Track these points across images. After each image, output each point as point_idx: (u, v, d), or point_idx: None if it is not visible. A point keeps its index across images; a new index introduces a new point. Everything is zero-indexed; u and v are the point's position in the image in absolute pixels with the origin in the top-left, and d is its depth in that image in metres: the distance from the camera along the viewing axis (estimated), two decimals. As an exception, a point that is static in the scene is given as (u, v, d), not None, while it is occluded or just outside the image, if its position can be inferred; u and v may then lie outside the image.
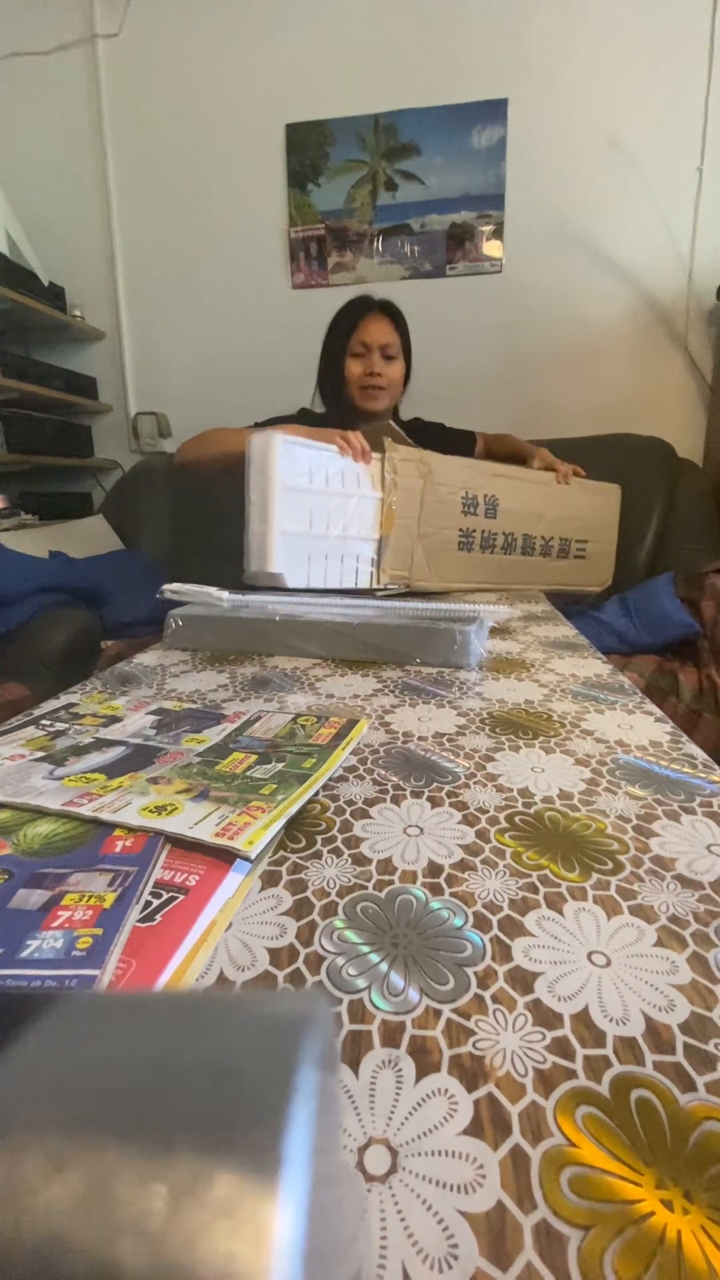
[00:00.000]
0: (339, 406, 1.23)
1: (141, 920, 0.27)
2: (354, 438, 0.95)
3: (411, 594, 1.00)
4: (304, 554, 0.90)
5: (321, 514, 0.91)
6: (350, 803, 0.38)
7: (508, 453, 1.36)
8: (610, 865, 0.31)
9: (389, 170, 1.93)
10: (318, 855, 0.33)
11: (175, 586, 0.80)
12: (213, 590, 0.79)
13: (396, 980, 0.24)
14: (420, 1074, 0.21)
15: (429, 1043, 0.22)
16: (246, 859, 0.31)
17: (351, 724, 0.49)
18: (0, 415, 1.74)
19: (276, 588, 0.87)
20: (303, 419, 1.25)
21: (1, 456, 1.75)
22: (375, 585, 0.98)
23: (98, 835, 0.34)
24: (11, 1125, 0.09)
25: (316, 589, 0.90)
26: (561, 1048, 0.21)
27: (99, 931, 0.26)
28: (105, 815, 0.35)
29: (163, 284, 2.11)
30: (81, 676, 0.70)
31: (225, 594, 0.79)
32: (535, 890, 0.29)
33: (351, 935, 0.27)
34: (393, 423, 1.12)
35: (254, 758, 0.43)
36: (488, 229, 1.92)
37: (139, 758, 0.43)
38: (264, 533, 0.86)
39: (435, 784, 0.40)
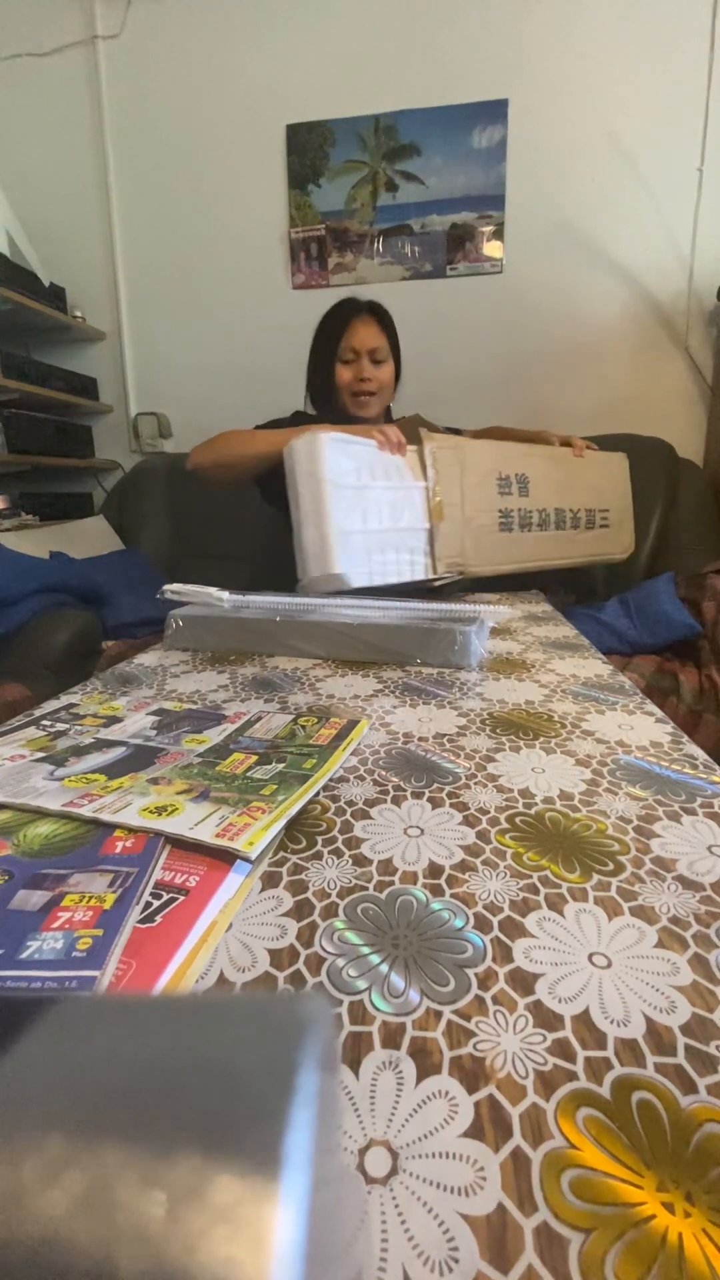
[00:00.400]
0: (330, 412, 1.22)
1: (142, 921, 0.27)
2: (391, 431, 0.95)
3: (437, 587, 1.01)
4: (363, 551, 0.89)
5: (374, 508, 0.91)
6: (351, 803, 0.38)
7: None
8: (611, 866, 0.31)
9: (389, 171, 1.93)
10: (318, 856, 0.33)
11: (175, 587, 0.80)
12: (213, 590, 0.79)
13: (397, 981, 0.24)
14: (421, 1075, 0.21)
15: (429, 1044, 0.22)
16: (247, 860, 0.31)
17: (352, 724, 0.49)
18: (1, 415, 1.74)
19: (336, 591, 0.86)
20: (297, 422, 1.25)
21: (2, 457, 1.75)
22: (432, 575, 0.98)
23: (98, 836, 0.34)
24: (12, 1127, 0.09)
25: (376, 587, 0.90)
26: (562, 1049, 0.21)
27: (99, 932, 0.26)
28: (105, 816, 0.35)
29: (163, 284, 2.11)
30: (82, 677, 0.70)
31: (225, 594, 0.79)
32: (536, 891, 0.29)
33: (352, 936, 0.27)
34: (420, 415, 1.12)
35: (254, 758, 0.43)
36: (488, 229, 1.92)
37: (139, 758, 0.43)
38: (322, 536, 0.85)
39: (436, 785, 0.40)
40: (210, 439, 1.11)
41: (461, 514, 1.02)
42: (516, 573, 1.11)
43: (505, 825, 0.35)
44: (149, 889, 0.29)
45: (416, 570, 0.96)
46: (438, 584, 0.98)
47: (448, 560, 1.00)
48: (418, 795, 0.39)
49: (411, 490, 0.97)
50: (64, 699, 0.58)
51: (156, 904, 0.28)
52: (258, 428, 1.18)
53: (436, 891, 0.29)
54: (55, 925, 0.27)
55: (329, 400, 1.21)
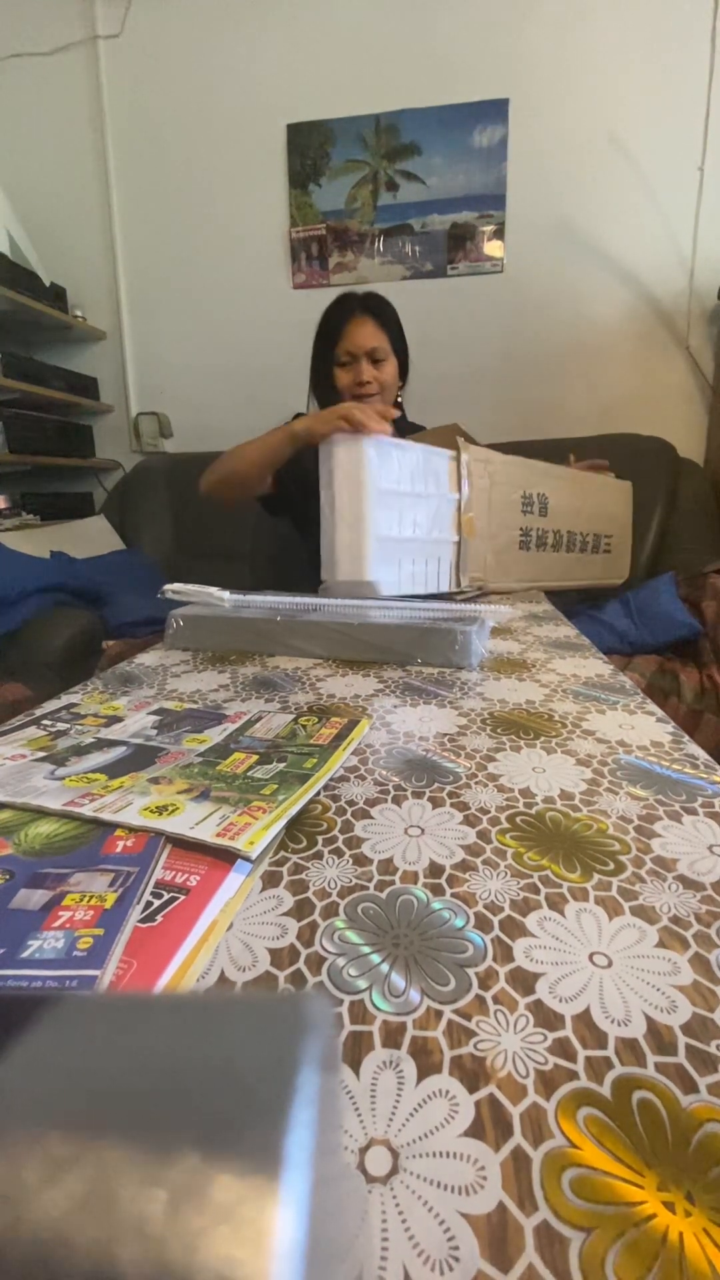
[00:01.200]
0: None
1: (142, 920, 0.27)
2: (358, 411, 0.85)
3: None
4: (394, 559, 0.87)
5: (410, 515, 0.90)
6: (351, 803, 0.38)
7: None
8: (612, 866, 0.31)
9: (390, 170, 1.93)
10: (319, 856, 0.33)
11: (176, 586, 0.80)
12: (214, 590, 0.79)
13: (398, 981, 0.24)
14: (421, 1075, 0.21)
15: (430, 1044, 0.22)
16: (247, 859, 0.31)
17: (352, 724, 0.49)
18: (1, 415, 1.74)
19: (360, 597, 0.84)
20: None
21: (2, 456, 1.75)
22: (455, 589, 0.98)
23: (99, 835, 0.34)
24: (12, 1126, 0.09)
25: (393, 597, 0.88)
26: (563, 1049, 0.21)
27: (100, 932, 0.26)
28: (106, 815, 0.35)
29: (164, 284, 2.11)
30: (83, 676, 0.70)
31: (226, 594, 0.79)
32: (536, 891, 0.29)
33: (352, 936, 0.27)
34: (459, 424, 1.12)
35: (255, 758, 0.43)
36: (489, 229, 1.92)
37: (140, 758, 0.43)
38: (358, 540, 0.82)
39: (436, 784, 0.40)
40: (213, 465, 1.13)
41: (488, 529, 1.03)
42: (527, 589, 1.12)
43: (506, 825, 0.35)
44: (149, 888, 0.29)
45: (442, 583, 0.96)
46: (457, 598, 0.99)
47: (471, 575, 1.00)
48: (418, 795, 0.39)
49: (445, 501, 0.97)
50: (64, 698, 0.58)
51: (157, 903, 0.28)
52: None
53: (437, 891, 0.29)
54: (56, 924, 0.27)
55: (331, 405, 1.21)
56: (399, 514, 0.88)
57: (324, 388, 1.19)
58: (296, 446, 0.96)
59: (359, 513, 0.83)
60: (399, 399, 1.27)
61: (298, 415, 1.28)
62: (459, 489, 0.98)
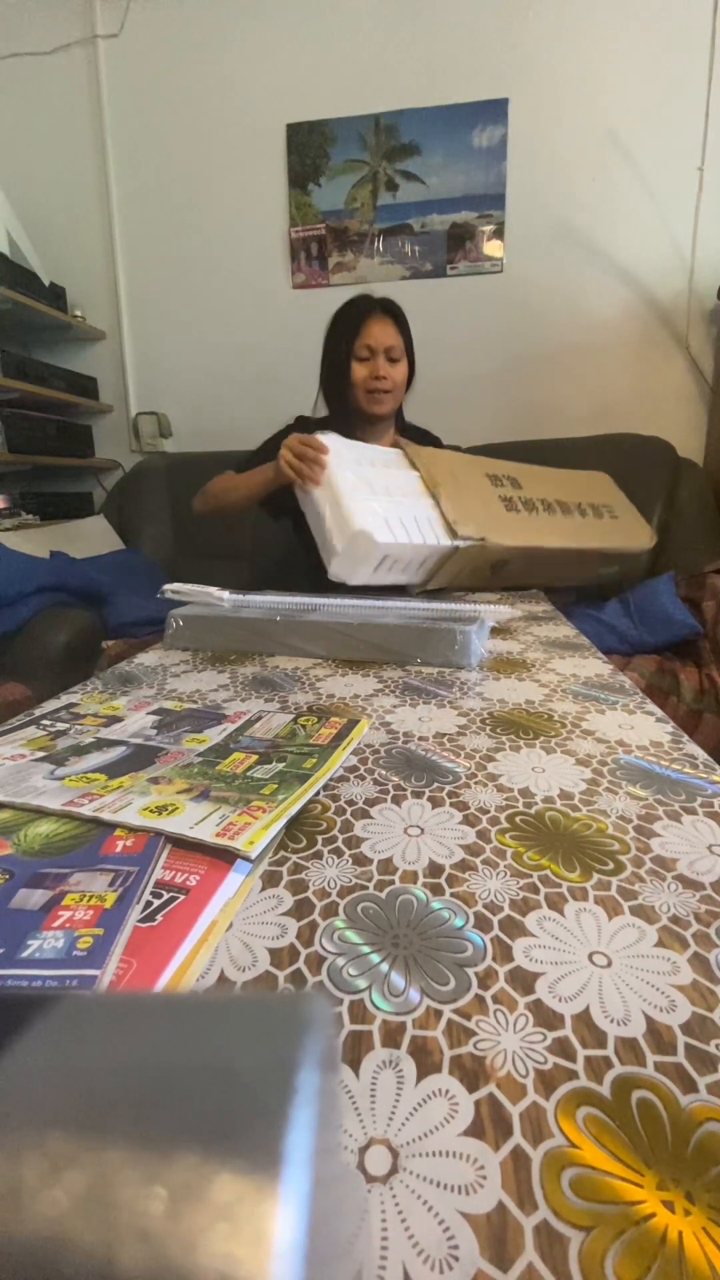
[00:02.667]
0: (344, 410, 1.23)
1: (142, 920, 0.27)
2: (290, 449, 0.95)
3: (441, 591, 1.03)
4: (380, 514, 0.90)
5: (379, 484, 0.95)
6: (351, 803, 0.38)
7: None
8: (611, 865, 0.31)
9: (389, 170, 1.93)
10: (318, 855, 0.33)
11: (176, 586, 0.80)
12: (213, 590, 0.79)
13: (397, 980, 0.24)
14: (421, 1074, 0.21)
15: (430, 1043, 0.22)
16: (247, 859, 0.31)
17: (352, 724, 0.49)
18: (1, 415, 1.74)
19: (364, 560, 0.88)
20: (300, 428, 1.25)
21: (2, 456, 1.75)
22: (452, 540, 0.97)
23: (98, 835, 0.34)
24: (12, 1126, 0.09)
25: (381, 586, 0.93)
26: (562, 1048, 0.21)
27: (100, 931, 0.26)
28: (106, 815, 0.35)
29: (163, 284, 2.11)
30: (82, 676, 0.70)
31: (226, 594, 0.79)
32: (536, 890, 0.29)
33: (352, 935, 0.27)
34: (400, 438, 1.16)
35: (255, 758, 0.43)
36: (488, 229, 1.92)
37: (140, 758, 0.43)
38: (338, 506, 0.88)
39: (436, 784, 0.40)
40: (204, 488, 1.21)
41: (459, 489, 1.04)
42: (542, 549, 1.08)
43: (505, 825, 0.35)
44: (149, 888, 0.29)
45: (438, 532, 0.96)
46: (461, 545, 0.98)
47: (461, 524, 0.98)
48: (418, 795, 0.39)
49: (409, 477, 1.01)
50: (64, 698, 0.58)
51: (157, 903, 0.28)
52: (253, 452, 1.21)
53: (437, 891, 0.29)
54: (56, 924, 0.27)
55: (343, 398, 1.21)
56: (369, 483, 0.94)
57: (338, 382, 1.20)
58: (271, 488, 1.04)
59: (333, 490, 0.89)
60: (400, 405, 1.27)
61: (299, 419, 1.28)
62: (415, 468, 1.03)
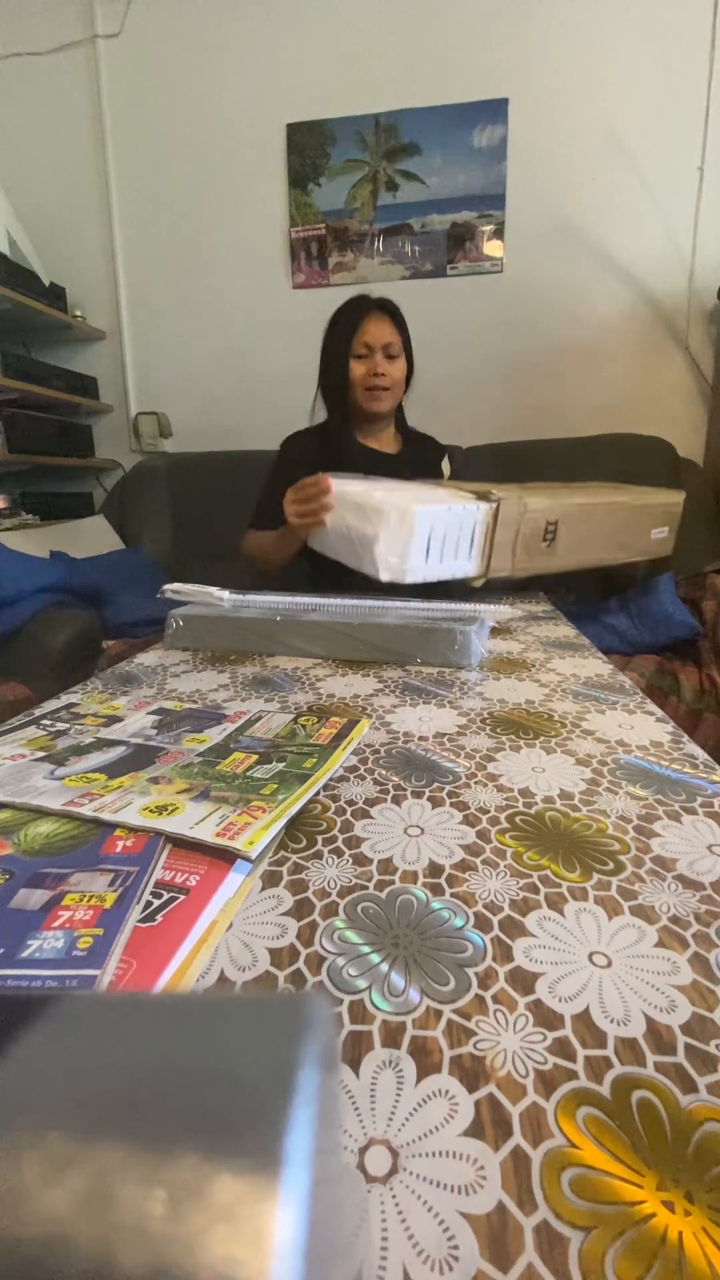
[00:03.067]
0: (343, 409, 1.22)
1: (142, 920, 0.27)
2: (294, 505, 0.92)
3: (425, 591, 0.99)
4: (406, 497, 0.85)
5: (390, 485, 0.91)
6: (351, 803, 0.38)
7: None
8: (611, 865, 0.31)
9: (390, 170, 1.93)
10: (318, 855, 0.33)
11: (176, 586, 0.80)
12: (213, 590, 0.79)
13: (397, 980, 0.24)
14: (421, 1075, 0.21)
15: (430, 1043, 0.22)
16: (247, 859, 0.31)
17: (352, 724, 0.49)
18: (1, 415, 1.74)
19: (405, 581, 0.83)
20: (294, 445, 1.23)
21: (2, 456, 1.75)
22: (489, 501, 0.92)
23: (98, 835, 0.34)
24: (12, 1126, 0.09)
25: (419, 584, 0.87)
26: (562, 1048, 0.21)
27: (100, 931, 0.26)
28: (106, 815, 0.35)
29: (163, 284, 2.11)
30: (82, 676, 0.70)
31: (226, 594, 0.79)
32: (536, 890, 0.29)
33: (352, 935, 0.27)
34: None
35: (255, 758, 0.43)
36: (488, 229, 1.92)
37: (140, 758, 0.43)
38: (362, 507, 0.83)
39: (436, 784, 0.40)
40: (244, 547, 1.20)
41: (472, 484, 1.00)
42: (588, 504, 1.04)
43: (505, 824, 0.35)
44: (149, 888, 0.29)
45: (466, 504, 0.90)
46: (500, 500, 0.91)
47: (494, 491, 0.94)
48: (418, 794, 0.39)
49: (419, 485, 0.97)
50: (64, 698, 0.58)
51: (157, 903, 0.28)
52: (260, 497, 1.20)
53: (437, 891, 0.29)
54: (56, 924, 0.27)
55: (342, 397, 1.21)
56: (379, 484, 0.90)
57: (337, 381, 1.20)
58: (300, 540, 1.00)
59: (346, 502, 0.85)
60: (400, 403, 1.27)
61: (290, 439, 1.27)
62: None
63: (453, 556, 0.88)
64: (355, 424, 1.22)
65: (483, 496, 0.92)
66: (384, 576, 0.82)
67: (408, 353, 1.21)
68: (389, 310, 1.19)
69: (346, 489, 0.87)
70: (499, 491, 0.94)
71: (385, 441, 1.26)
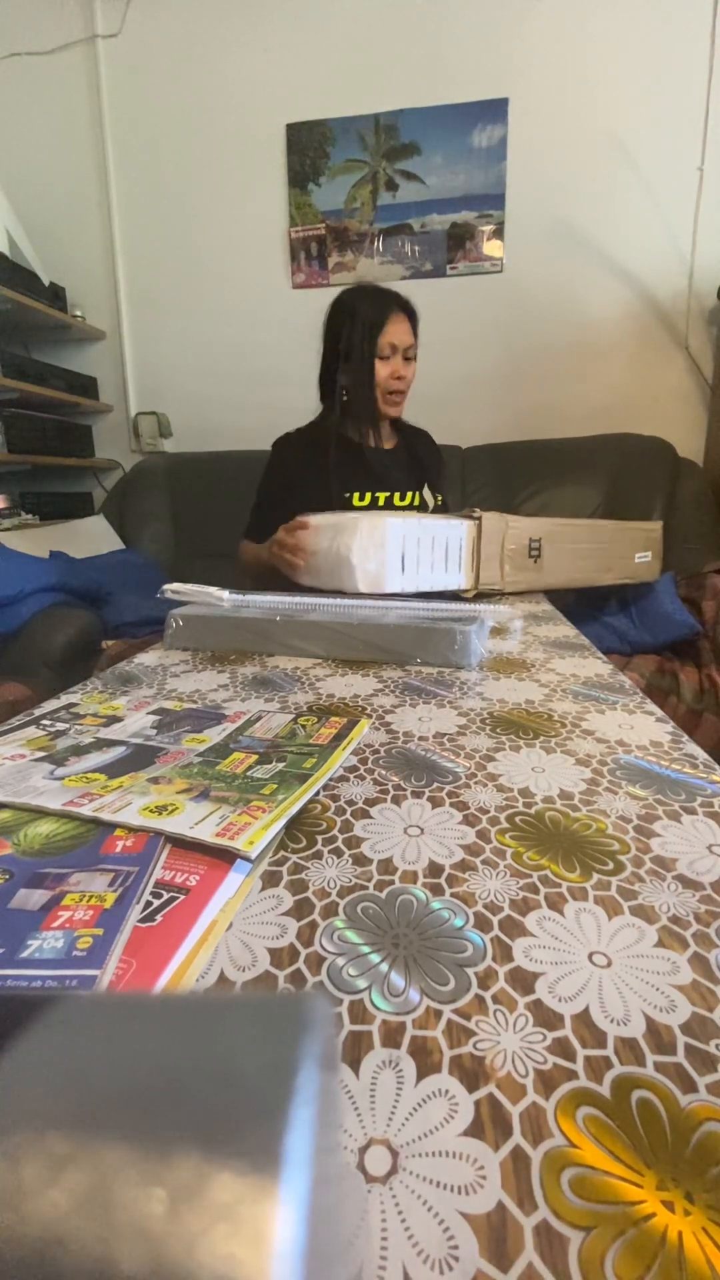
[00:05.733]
0: (359, 407, 1.17)
1: (142, 920, 0.27)
2: (280, 549, 0.94)
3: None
4: (381, 514, 0.88)
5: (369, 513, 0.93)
6: (351, 803, 0.38)
7: None
8: (611, 865, 0.31)
9: (389, 170, 1.93)
10: (318, 855, 0.33)
11: (176, 586, 0.80)
12: (213, 590, 0.79)
13: (397, 980, 0.24)
14: (421, 1074, 0.21)
15: (429, 1043, 0.22)
16: (247, 859, 0.31)
17: (352, 724, 0.49)
18: (1, 415, 1.74)
19: (380, 593, 0.85)
20: (284, 447, 1.22)
21: (2, 456, 1.75)
22: (470, 518, 0.95)
23: (98, 835, 0.34)
24: (12, 1126, 0.09)
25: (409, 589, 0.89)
26: (562, 1048, 0.21)
27: (99, 931, 0.26)
28: (106, 815, 0.35)
29: (163, 284, 2.11)
30: (82, 676, 0.70)
31: (226, 594, 0.79)
32: (536, 890, 0.29)
33: (352, 935, 0.27)
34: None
35: (254, 758, 0.43)
36: (488, 229, 1.92)
37: (139, 758, 0.43)
38: (340, 524, 0.86)
39: (436, 784, 0.40)
40: (238, 555, 1.20)
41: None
42: (570, 523, 1.06)
43: (505, 824, 0.35)
44: (149, 888, 0.29)
45: (447, 520, 0.93)
46: (484, 517, 0.94)
47: (475, 511, 0.96)
48: (418, 794, 0.39)
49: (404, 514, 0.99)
50: (64, 698, 0.58)
51: (157, 903, 0.28)
52: (256, 504, 1.20)
53: (436, 891, 0.29)
54: (55, 924, 0.27)
55: (363, 395, 1.15)
56: (357, 513, 0.92)
57: (359, 378, 1.14)
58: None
59: (323, 523, 0.88)
60: None
61: (279, 442, 1.26)
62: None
63: (442, 569, 0.91)
64: (363, 423, 1.18)
65: (464, 515, 0.95)
66: (362, 586, 0.85)
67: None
68: (410, 313, 1.16)
69: (323, 519, 0.90)
70: (481, 511, 0.96)
71: (386, 436, 1.25)
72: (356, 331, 1.13)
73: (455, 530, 0.92)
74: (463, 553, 0.94)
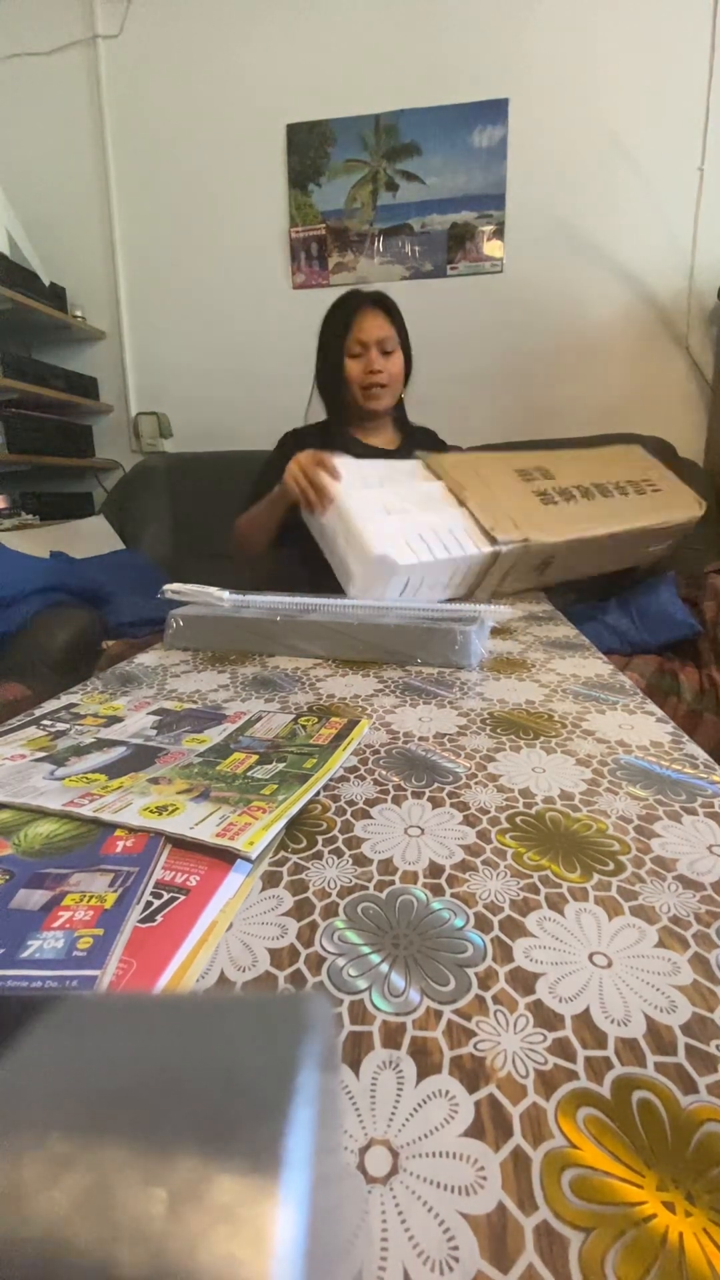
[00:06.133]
0: (341, 408, 1.21)
1: (142, 921, 0.27)
2: (302, 467, 0.91)
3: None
4: (400, 537, 0.85)
5: (396, 501, 0.90)
6: (351, 803, 0.38)
7: None
8: (611, 866, 0.31)
9: (390, 170, 1.93)
10: (319, 856, 0.33)
11: (176, 586, 0.80)
12: (213, 590, 0.79)
13: (397, 981, 0.24)
14: (421, 1075, 0.21)
15: (430, 1044, 0.22)
16: (247, 859, 0.31)
17: (352, 724, 0.49)
18: (1, 415, 1.74)
19: (388, 584, 0.83)
20: (292, 442, 1.21)
21: (2, 456, 1.75)
22: (489, 546, 0.91)
23: (98, 835, 0.34)
24: (13, 1127, 0.09)
25: (428, 564, 0.86)
26: (563, 1049, 0.21)
27: (100, 932, 0.26)
28: (106, 815, 0.35)
29: (164, 284, 2.11)
30: (82, 676, 0.70)
31: (226, 594, 0.79)
32: (536, 891, 0.29)
33: (352, 936, 0.27)
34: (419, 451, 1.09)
35: (255, 758, 0.43)
36: (488, 229, 1.92)
37: (140, 758, 0.43)
38: (353, 533, 0.84)
39: (436, 784, 0.40)
40: (234, 532, 1.16)
41: (488, 490, 0.98)
42: (591, 538, 1.02)
43: (505, 825, 0.35)
44: (149, 888, 0.29)
45: (465, 544, 0.90)
46: (504, 550, 0.91)
47: (499, 528, 0.93)
48: (418, 795, 0.39)
49: (431, 489, 0.96)
50: (64, 699, 0.58)
51: (157, 903, 0.28)
52: (254, 483, 1.18)
53: (437, 891, 0.29)
54: (56, 924, 0.27)
55: (339, 396, 1.19)
56: (384, 503, 0.89)
57: (333, 381, 1.18)
58: (287, 504, 0.99)
59: (344, 515, 0.85)
60: (401, 398, 1.26)
61: (289, 434, 1.26)
62: (437, 479, 0.97)
63: (430, 589, 0.90)
64: (354, 422, 1.21)
65: (489, 532, 0.91)
66: (354, 596, 0.85)
67: (405, 347, 1.19)
68: (383, 304, 1.17)
69: (346, 501, 0.86)
70: (509, 527, 0.92)
71: (385, 438, 1.25)
72: (327, 336, 1.17)
73: (466, 561, 0.90)
74: (466, 574, 0.93)
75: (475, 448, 1.31)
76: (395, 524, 0.86)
